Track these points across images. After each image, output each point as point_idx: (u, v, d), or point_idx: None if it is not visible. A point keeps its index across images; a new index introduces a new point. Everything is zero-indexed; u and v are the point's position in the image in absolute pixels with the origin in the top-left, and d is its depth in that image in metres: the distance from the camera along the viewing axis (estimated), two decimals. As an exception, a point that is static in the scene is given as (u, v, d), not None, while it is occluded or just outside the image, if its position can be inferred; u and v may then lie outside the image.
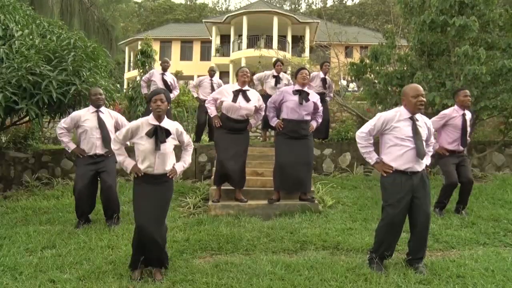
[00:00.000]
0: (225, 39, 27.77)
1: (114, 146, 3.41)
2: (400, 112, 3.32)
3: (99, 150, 4.62)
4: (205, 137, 7.97)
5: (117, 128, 4.77)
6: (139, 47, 10.92)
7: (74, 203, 4.71)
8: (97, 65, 5.87)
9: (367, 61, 7.23)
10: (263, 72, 7.80)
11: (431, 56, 6.74)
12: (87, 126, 4.61)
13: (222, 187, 5.23)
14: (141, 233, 3.21)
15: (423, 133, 3.32)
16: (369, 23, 36.60)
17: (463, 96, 4.81)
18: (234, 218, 4.78)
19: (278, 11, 25.74)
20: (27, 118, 5.98)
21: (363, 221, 4.63)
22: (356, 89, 15.88)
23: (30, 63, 5.00)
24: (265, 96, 6.52)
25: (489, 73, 5.77)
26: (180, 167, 3.43)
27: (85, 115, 4.66)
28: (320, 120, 5.21)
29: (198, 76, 8.02)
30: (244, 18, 24.94)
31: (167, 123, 3.32)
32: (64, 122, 4.69)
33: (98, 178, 4.77)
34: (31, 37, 5.59)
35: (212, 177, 5.62)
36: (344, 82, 13.64)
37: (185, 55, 30.00)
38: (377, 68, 7.04)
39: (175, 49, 30.14)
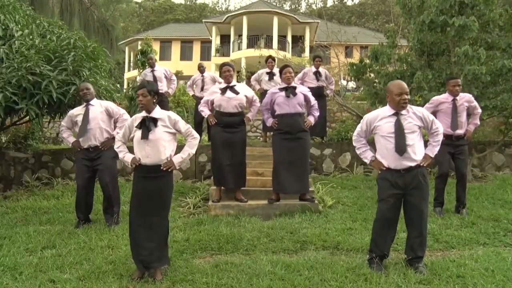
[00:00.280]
0: (225, 39, 27.75)
1: (115, 145, 3.52)
2: (384, 110, 3.38)
3: (92, 142, 4.65)
4: (205, 137, 7.98)
5: (109, 116, 4.77)
6: (139, 47, 10.93)
7: (75, 201, 4.74)
8: (97, 65, 5.87)
9: (367, 61, 7.23)
10: (257, 72, 7.88)
11: (431, 56, 6.73)
12: (79, 120, 4.71)
13: (222, 187, 5.23)
14: (132, 231, 3.27)
15: (412, 124, 3.28)
16: (369, 23, 36.60)
17: (451, 85, 4.91)
18: (234, 218, 4.78)
19: (278, 11, 25.73)
20: (27, 118, 5.99)
21: (363, 221, 4.63)
22: (354, 87, 15.90)
23: (30, 63, 5.00)
24: (264, 94, 6.61)
25: (489, 73, 5.77)
26: (178, 158, 3.33)
27: (78, 111, 4.79)
28: (317, 114, 5.15)
29: (197, 73, 8.06)
30: (244, 18, 24.93)
31: (158, 113, 3.35)
32: (63, 121, 4.92)
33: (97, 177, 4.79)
34: (31, 37, 5.58)
35: (212, 177, 5.63)
36: (344, 82, 13.64)
37: (185, 55, 29.98)
38: (377, 68, 7.04)
39: (175, 49, 30.13)
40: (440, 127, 3.40)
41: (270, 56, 7.81)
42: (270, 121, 5.07)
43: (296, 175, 4.89)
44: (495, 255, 3.58)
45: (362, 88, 12.44)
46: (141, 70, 10.25)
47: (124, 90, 13.27)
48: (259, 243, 4.01)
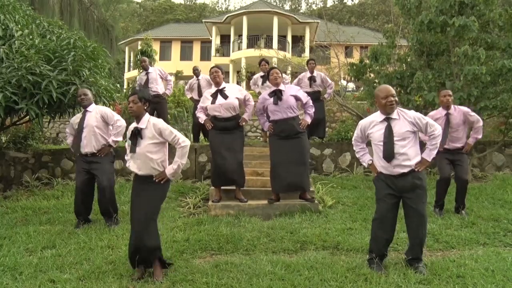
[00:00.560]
0: (225, 39, 27.76)
1: (127, 156, 3.51)
2: (376, 116, 3.41)
3: (87, 149, 4.65)
4: (203, 137, 7.98)
5: (105, 122, 4.76)
6: (139, 47, 10.94)
7: (74, 201, 4.75)
8: (97, 65, 5.87)
9: (367, 61, 7.23)
10: (253, 77, 7.82)
11: (431, 56, 6.74)
12: (77, 128, 4.77)
13: (222, 187, 5.23)
14: (132, 229, 3.28)
15: (404, 131, 3.25)
16: (369, 23, 36.60)
17: (442, 96, 4.93)
18: (234, 218, 4.78)
19: (278, 11, 25.73)
20: (27, 118, 5.99)
21: (363, 221, 4.63)
22: (354, 88, 15.91)
23: (30, 63, 5.00)
24: None
25: (489, 73, 5.77)
26: (170, 170, 3.27)
27: (77, 118, 4.85)
28: (311, 112, 5.09)
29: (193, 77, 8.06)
30: (244, 18, 24.93)
31: (144, 122, 3.29)
32: (67, 128, 5.05)
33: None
34: (31, 37, 5.58)
35: (211, 178, 5.62)
36: (344, 82, 13.64)
37: (185, 55, 29.99)
38: (377, 68, 7.04)
39: (175, 49, 30.14)
40: (437, 129, 3.31)
41: (263, 59, 7.58)
42: (266, 126, 5.11)
43: (295, 173, 4.88)
44: (495, 255, 3.58)
45: (362, 88, 12.45)
46: (141, 70, 10.26)
47: (124, 90, 13.27)
48: (259, 243, 4.01)
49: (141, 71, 10.19)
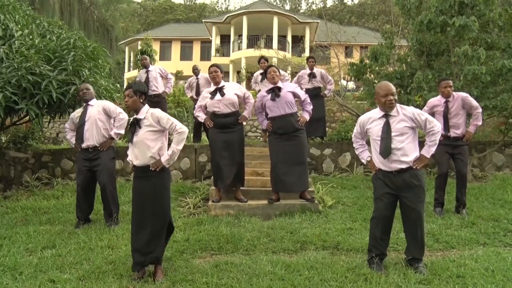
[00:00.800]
0: (225, 39, 27.77)
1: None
2: (375, 112, 3.42)
3: (89, 142, 4.66)
4: (205, 136, 7.98)
5: (107, 115, 4.78)
6: (139, 47, 10.93)
7: (75, 201, 4.75)
8: (97, 65, 5.87)
9: (367, 61, 7.23)
10: (254, 74, 7.85)
11: (431, 56, 6.74)
12: (78, 121, 4.77)
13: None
14: (131, 229, 3.29)
15: (401, 126, 3.25)
16: (369, 23, 36.60)
17: (442, 87, 4.92)
18: (234, 218, 4.78)
19: (278, 11, 25.74)
20: (27, 118, 5.99)
21: (363, 221, 4.63)
22: (354, 87, 15.91)
23: (30, 63, 5.00)
24: None
25: (489, 73, 5.77)
26: (165, 157, 3.25)
27: (78, 112, 4.86)
28: (310, 109, 5.09)
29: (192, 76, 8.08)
30: (244, 18, 24.94)
31: (143, 113, 3.33)
32: (67, 123, 4.99)
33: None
34: (31, 37, 5.58)
35: (212, 177, 5.63)
36: (344, 82, 13.65)
37: (185, 55, 30.00)
38: (377, 68, 7.04)
39: (175, 49, 30.15)
40: (437, 125, 3.30)
41: (262, 57, 7.68)
42: (264, 124, 5.11)
43: (295, 173, 4.89)
44: (495, 255, 3.58)
45: (362, 88, 12.46)
46: (141, 70, 10.25)
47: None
48: (259, 243, 4.01)
49: (141, 69, 10.20)
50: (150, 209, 3.26)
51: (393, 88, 3.30)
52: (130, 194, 5.19)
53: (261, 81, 7.43)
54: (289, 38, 26.01)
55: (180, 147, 3.31)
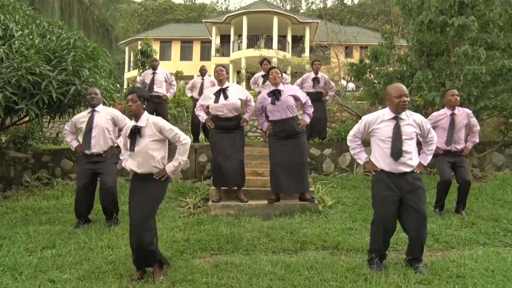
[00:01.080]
0: (225, 39, 27.76)
1: (122, 156, 3.48)
2: (383, 113, 3.36)
3: (95, 150, 4.63)
4: (204, 137, 7.97)
5: (115, 125, 4.77)
6: (139, 47, 10.93)
7: (74, 202, 4.72)
8: (97, 65, 5.87)
9: (367, 61, 7.23)
10: (253, 76, 7.83)
11: (431, 56, 6.74)
12: (83, 127, 4.68)
13: (222, 187, 5.23)
14: (130, 228, 3.25)
15: (411, 131, 3.29)
16: (369, 23, 36.60)
17: (450, 95, 4.89)
18: (234, 218, 4.78)
19: (278, 11, 25.73)
20: (27, 118, 5.98)
21: (363, 221, 4.63)
22: (354, 88, 15.92)
23: (30, 63, 5.00)
24: None
25: (489, 73, 5.77)
26: (170, 167, 3.27)
27: (83, 117, 4.75)
28: (310, 111, 5.08)
29: (198, 76, 8.05)
30: (244, 18, 24.93)
31: (144, 120, 3.27)
32: (67, 125, 4.86)
33: (98, 179, 4.79)
34: (31, 37, 5.58)
35: (212, 178, 5.63)
36: (344, 82, 13.65)
37: (185, 55, 29.99)
38: (377, 68, 7.04)
39: (175, 49, 30.14)
40: (435, 136, 3.45)
41: (265, 58, 7.60)
42: (265, 126, 5.10)
43: (294, 175, 4.88)
44: (495, 255, 3.58)
45: (362, 88, 12.46)
46: (141, 70, 10.27)
47: (124, 90, 13.27)
48: (259, 243, 4.01)
49: (141, 69, 10.21)
50: (143, 208, 3.21)
51: (406, 89, 3.30)
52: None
53: (263, 83, 7.39)
54: (289, 38, 26.01)
55: (185, 158, 3.33)
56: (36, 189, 6.28)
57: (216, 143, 5.07)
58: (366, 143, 3.66)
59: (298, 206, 4.98)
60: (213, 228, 4.41)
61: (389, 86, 3.42)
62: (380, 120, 3.35)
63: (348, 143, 3.58)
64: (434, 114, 5.05)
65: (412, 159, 3.28)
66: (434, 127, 4.83)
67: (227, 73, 5.15)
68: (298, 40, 25.95)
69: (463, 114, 4.92)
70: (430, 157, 3.44)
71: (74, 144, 4.77)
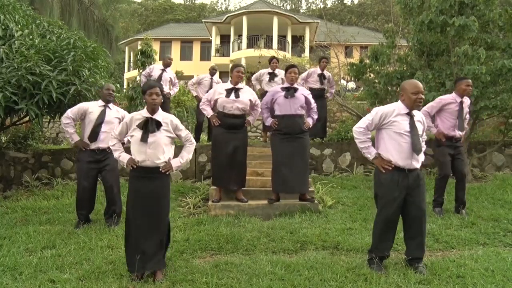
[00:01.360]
0: (225, 39, 27.76)
1: (110, 142, 3.48)
2: (398, 107, 3.32)
3: (102, 145, 4.60)
4: (204, 137, 7.98)
5: None
6: (139, 47, 10.90)
7: (76, 201, 4.72)
8: (97, 65, 5.87)
9: (367, 61, 7.23)
10: (259, 72, 7.83)
11: (431, 56, 6.74)
12: (94, 118, 4.61)
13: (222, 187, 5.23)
14: (130, 233, 3.24)
15: (420, 128, 3.33)
16: (369, 23, 36.61)
17: (465, 85, 4.83)
18: (234, 218, 4.78)
19: (278, 11, 25.74)
20: (27, 118, 5.99)
21: (363, 221, 4.63)
22: (354, 87, 15.91)
23: (30, 63, 5.00)
24: (264, 95, 6.57)
25: (489, 73, 5.77)
26: (177, 162, 3.36)
27: (93, 107, 4.68)
28: (315, 117, 5.16)
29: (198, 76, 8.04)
30: (244, 18, 24.94)
31: (160, 115, 3.33)
32: (71, 112, 4.64)
33: (99, 177, 4.79)
34: (31, 37, 5.59)
35: (212, 177, 5.62)
36: (343, 82, 13.65)
37: (185, 55, 30.00)
38: (377, 68, 7.04)
39: (175, 49, 30.13)
40: (426, 137, 3.52)
41: (274, 57, 7.71)
42: (269, 121, 5.06)
43: (296, 175, 4.88)
44: (495, 255, 3.58)
45: (362, 88, 12.46)
46: (141, 70, 10.24)
47: (124, 90, 13.26)
48: (259, 243, 4.01)
49: (141, 69, 10.17)
50: (153, 211, 3.26)
51: (421, 86, 3.30)
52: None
53: (269, 81, 7.39)
54: (289, 38, 26.02)
55: (190, 156, 3.48)
56: (36, 189, 6.28)
57: (220, 143, 5.04)
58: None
59: (298, 206, 4.99)
60: (213, 228, 4.41)
61: (405, 82, 3.40)
62: (396, 113, 3.27)
63: (358, 136, 3.36)
64: (443, 97, 4.92)
65: (422, 155, 3.32)
66: (440, 111, 4.85)
67: (244, 73, 5.17)
68: (298, 40, 25.95)
69: (467, 102, 4.94)
70: (423, 155, 3.49)
71: (76, 138, 4.62)
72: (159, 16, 41.81)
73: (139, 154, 3.27)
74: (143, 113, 3.33)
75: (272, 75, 7.46)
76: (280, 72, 7.50)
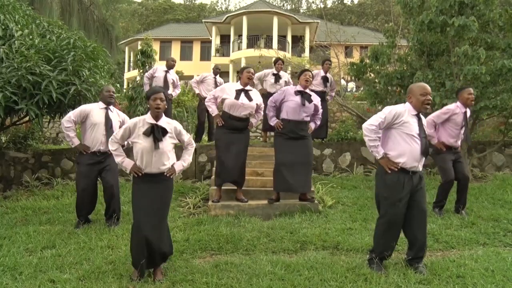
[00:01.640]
0: (225, 39, 27.76)
1: (111, 147, 3.41)
2: (408, 108, 3.30)
3: (103, 147, 4.59)
4: (204, 137, 7.97)
5: (120, 126, 4.77)
6: (139, 47, 10.90)
7: (75, 202, 4.72)
8: (97, 65, 5.87)
9: (367, 61, 7.23)
10: (263, 71, 7.78)
11: (431, 56, 6.74)
12: (96, 120, 4.59)
13: (222, 187, 5.23)
14: (139, 231, 3.21)
15: (426, 130, 3.37)
16: (369, 23, 36.61)
17: (467, 94, 4.81)
18: (234, 218, 4.78)
19: (278, 11, 25.73)
20: (27, 118, 5.99)
21: (363, 221, 4.63)
22: (354, 87, 15.92)
23: (30, 63, 5.00)
24: (265, 95, 6.53)
25: (489, 73, 5.77)
26: (180, 166, 3.40)
27: (95, 110, 4.65)
28: (318, 122, 5.21)
29: (210, 75, 7.97)
30: (244, 18, 24.93)
31: (164, 121, 3.32)
32: (73, 115, 4.58)
33: (99, 178, 4.79)
34: (31, 37, 5.59)
35: (212, 177, 5.63)
36: (344, 82, 13.66)
37: (185, 55, 29.98)
38: (377, 68, 7.04)
39: (175, 49, 30.12)
40: None
41: (279, 58, 7.62)
42: (273, 121, 5.03)
43: (300, 174, 4.89)
44: (495, 255, 3.58)
45: (362, 88, 12.46)
46: (141, 70, 10.24)
47: (124, 90, 13.26)
48: (259, 243, 4.01)
49: (141, 70, 10.17)
50: (157, 211, 3.28)
51: (429, 88, 3.32)
52: (130, 194, 5.18)
53: (275, 82, 7.31)
54: (289, 38, 26.01)
55: (191, 158, 3.54)
56: (36, 189, 6.28)
57: (223, 142, 5.03)
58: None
59: (298, 206, 4.99)
60: (213, 228, 4.41)
61: (413, 84, 3.42)
62: (408, 113, 3.26)
63: (368, 134, 3.24)
64: (450, 107, 4.85)
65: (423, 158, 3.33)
66: (445, 120, 4.81)
67: (254, 74, 5.17)
68: (298, 40, 25.95)
69: (468, 112, 4.93)
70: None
71: (76, 142, 4.60)
72: (159, 16, 41.81)
73: (145, 160, 3.25)
74: (148, 119, 3.27)
75: (277, 77, 7.39)
76: (284, 75, 7.48)
